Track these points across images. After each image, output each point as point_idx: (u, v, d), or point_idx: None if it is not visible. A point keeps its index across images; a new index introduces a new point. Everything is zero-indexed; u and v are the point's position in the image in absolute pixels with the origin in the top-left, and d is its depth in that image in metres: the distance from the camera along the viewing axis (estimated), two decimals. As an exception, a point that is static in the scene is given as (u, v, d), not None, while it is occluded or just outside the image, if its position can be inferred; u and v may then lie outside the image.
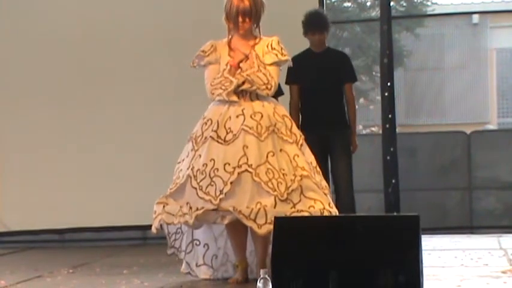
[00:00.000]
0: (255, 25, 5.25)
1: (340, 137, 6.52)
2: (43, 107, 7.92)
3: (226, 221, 5.02)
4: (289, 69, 6.13)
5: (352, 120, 6.61)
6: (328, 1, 13.39)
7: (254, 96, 5.18)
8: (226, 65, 5.19)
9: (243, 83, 5.15)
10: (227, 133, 5.08)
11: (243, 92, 5.16)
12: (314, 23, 6.56)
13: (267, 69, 5.19)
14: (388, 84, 7.98)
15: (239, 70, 5.18)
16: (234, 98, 5.15)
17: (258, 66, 5.18)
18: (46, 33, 7.92)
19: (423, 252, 3.86)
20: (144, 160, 7.69)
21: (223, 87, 5.15)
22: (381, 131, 8.27)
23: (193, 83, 5.56)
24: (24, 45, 7.97)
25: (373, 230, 3.86)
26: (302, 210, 4.97)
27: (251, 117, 5.10)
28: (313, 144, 5.48)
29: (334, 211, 5.09)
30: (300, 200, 5.00)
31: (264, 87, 5.17)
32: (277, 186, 4.97)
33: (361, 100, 15.87)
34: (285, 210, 4.93)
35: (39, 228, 7.96)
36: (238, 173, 4.97)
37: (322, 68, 6.49)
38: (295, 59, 6.27)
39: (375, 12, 16.32)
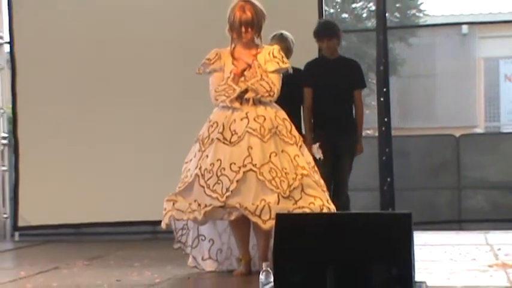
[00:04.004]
0: (257, 34, 5.22)
1: (348, 140, 6.48)
2: (61, 108, 7.92)
3: (232, 217, 5.02)
4: (304, 73, 6.37)
5: (360, 125, 6.59)
6: (327, 13, 13.37)
7: (257, 101, 5.17)
8: (230, 73, 5.17)
9: (246, 90, 5.14)
10: (232, 135, 5.06)
11: (247, 99, 5.14)
12: (320, 31, 6.58)
13: (269, 77, 5.17)
14: (384, 89, 7.96)
15: (243, 78, 5.16)
16: (237, 104, 5.13)
17: (261, 75, 5.16)
18: (66, 40, 7.93)
19: (415, 247, 3.84)
20: (154, 160, 7.66)
21: (226, 95, 5.14)
22: (376, 134, 8.25)
23: (200, 87, 5.54)
24: (47, 52, 7.97)
25: (368, 227, 3.84)
26: (303, 207, 4.96)
27: (255, 120, 5.09)
28: (324, 143, 5.94)
29: (332, 207, 5.09)
30: (301, 197, 5.00)
31: (267, 94, 5.16)
32: (280, 184, 4.96)
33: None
34: (288, 206, 4.93)
35: (57, 223, 7.95)
36: (244, 172, 4.96)
37: (335, 75, 6.46)
38: (309, 64, 6.53)
39: (371, 23, 16.31)
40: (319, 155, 6.26)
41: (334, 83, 6.43)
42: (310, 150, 6.02)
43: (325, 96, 6.42)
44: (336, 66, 6.51)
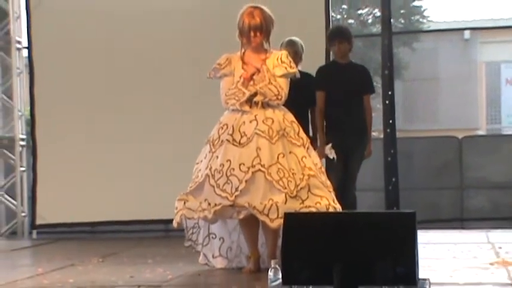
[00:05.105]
0: (265, 39, 5.22)
1: (358, 143, 6.47)
2: (77, 111, 7.94)
3: (241, 216, 5.02)
4: (316, 77, 6.39)
5: (369, 128, 6.57)
6: (333, 19, 13.37)
7: (266, 104, 5.17)
8: (240, 77, 5.17)
9: (255, 94, 5.14)
10: (242, 136, 5.07)
11: (255, 102, 5.15)
12: (332, 34, 6.59)
13: (277, 82, 5.17)
14: (389, 93, 7.95)
15: (252, 82, 5.16)
16: (246, 107, 5.14)
17: (269, 79, 5.16)
18: (83, 43, 7.96)
19: (419, 245, 3.83)
20: (166, 161, 7.67)
21: (236, 98, 5.14)
22: (381, 136, 8.25)
23: (211, 91, 5.54)
24: (64, 56, 8.00)
25: (374, 226, 3.83)
26: (310, 206, 4.96)
27: (263, 122, 5.09)
28: (335, 145, 6.10)
29: (338, 207, 5.08)
30: (307, 197, 4.99)
31: (275, 98, 5.16)
32: (288, 184, 4.95)
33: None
34: (295, 206, 4.92)
35: (73, 221, 7.97)
36: (252, 172, 4.96)
37: (346, 79, 6.45)
38: (322, 68, 6.57)
39: (376, 29, 16.30)
40: (332, 155, 6.26)
41: (346, 87, 6.42)
42: (320, 152, 6.03)
43: (337, 100, 6.41)
44: (347, 71, 6.50)
